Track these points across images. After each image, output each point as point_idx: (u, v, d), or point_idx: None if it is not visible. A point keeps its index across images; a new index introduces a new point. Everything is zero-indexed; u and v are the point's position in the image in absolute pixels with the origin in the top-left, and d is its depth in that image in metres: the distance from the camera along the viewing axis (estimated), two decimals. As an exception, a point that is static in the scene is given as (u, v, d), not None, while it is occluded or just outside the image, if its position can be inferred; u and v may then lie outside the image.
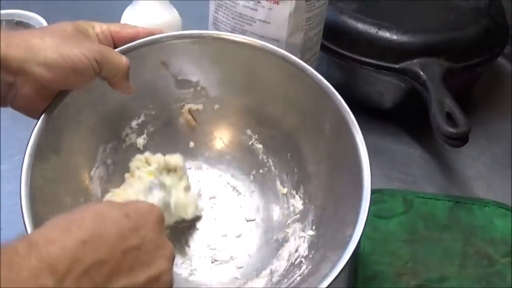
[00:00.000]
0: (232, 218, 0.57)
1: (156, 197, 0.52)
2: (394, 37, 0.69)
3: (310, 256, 0.51)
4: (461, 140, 0.61)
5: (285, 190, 0.58)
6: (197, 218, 0.57)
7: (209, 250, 0.55)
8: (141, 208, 0.39)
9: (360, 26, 0.70)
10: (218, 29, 0.65)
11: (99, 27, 0.51)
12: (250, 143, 0.60)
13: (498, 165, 0.71)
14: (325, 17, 0.66)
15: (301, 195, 0.56)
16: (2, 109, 0.47)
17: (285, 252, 0.54)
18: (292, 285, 0.49)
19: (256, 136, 0.60)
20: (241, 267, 0.54)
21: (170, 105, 0.59)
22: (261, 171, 0.60)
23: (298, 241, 0.53)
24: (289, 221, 0.56)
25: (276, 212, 0.58)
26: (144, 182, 0.53)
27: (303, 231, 0.54)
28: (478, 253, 0.59)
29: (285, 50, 0.62)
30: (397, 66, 0.69)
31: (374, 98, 0.74)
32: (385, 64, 0.69)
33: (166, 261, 0.38)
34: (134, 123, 0.58)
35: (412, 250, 0.58)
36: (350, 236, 0.44)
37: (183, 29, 0.65)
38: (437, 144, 0.69)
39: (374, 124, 0.74)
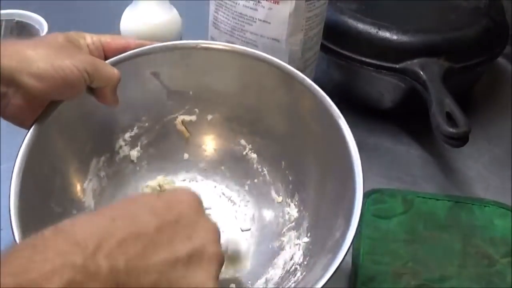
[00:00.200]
0: (227, 228, 0.57)
1: None
2: (394, 37, 0.69)
3: (305, 263, 0.50)
4: (461, 140, 0.61)
5: (280, 199, 0.58)
6: None
7: None
8: (176, 192, 0.38)
9: (360, 26, 0.70)
10: (218, 29, 0.65)
11: (90, 38, 0.51)
12: (244, 153, 0.60)
13: (498, 165, 0.71)
14: (325, 17, 0.66)
15: (296, 203, 0.56)
16: (2, 109, 0.47)
17: (280, 260, 0.53)
18: None
19: (250, 146, 0.59)
20: (236, 277, 0.53)
21: (163, 117, 0.59)
22: (255, 180, 0.59)
23: (293, 249, 0.53)
24: (284, 230, 0.56)
25: (272, 221, 0.57)
26: None
27: (298, 238, 0.54)
28: (478, 253, 0.59)
29: (285, 50, 0.62)
30: (397, 66, 0.69)
31: (374, 98, 0.74)
32: (385, 64, 0.69)
33: (209, 233, 0.36)
34: (127, 135, 0.58)
35: (412, 250, 0.58)
36: (343, 240, 0.43)
37: (183, 29, 0.65)
38: (437, 144, 0.69)
39: (374, 124, 0.75)
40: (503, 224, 0.61)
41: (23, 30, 0.70)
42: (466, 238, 0.60)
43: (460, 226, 0.61)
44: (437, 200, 0.63)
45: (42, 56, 0.44)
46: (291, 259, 0.52)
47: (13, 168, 0.45)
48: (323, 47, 0.69)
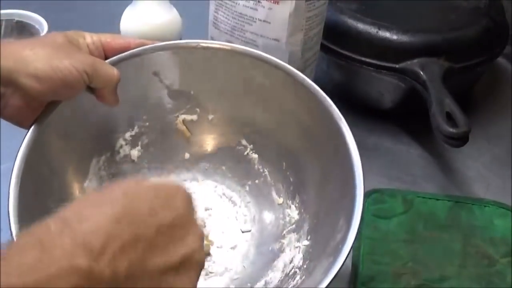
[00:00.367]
0: (227, 229, 0.57)
1: None
2: (394, 37, 0.69)
3: (305, 266, 0.50)
4: (461, 140, 0.61)
5: (281, 200, 0.58)
6: None
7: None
8: (169, 187, 0.38)
9: (360, 26, 0.70)
10: (218, 29, 0.65)
11: (90, 38, 0.50)
12: (245, 153, 0.60)
13: (498, 165, 0.71)
14: (325, 17, 0.66)
15: (297, 205, 0.56)
16: (2, 109, 0.47)
17: (280, 263, 0.53)
18: None
19: (251, 146, 0.59)
20: (236, 279, 0.53)
21: (164, 116, 0.58)
22: (256, 181, 0.59)
23: (293, 252, 0.53)
24: (284, 232, 0.56)
25: (272, 223, 0.57)
26: None
27: (299, 241, 0.53)
28: (478, 253, 0.59)
29: (285, 50, 0.62)
30: (397, 66, 0.69)
31: (374, 98, 0.74)
32: (385, 64, 0.69)
33: (197, 239, 0.37)
34: (128, 135, 0.58)
35: (412, 250, 0.58)
36: (343, 243, 0.43)
37: (183, 29, 0.65)
38: (437, 144, 0.69)
39: (374, 124, 0.75)
40: (503, 224, 0.61)
41: (23, 30, 0.70)
42: (466, 238, 0.60)
43: (460, 226, 0.61)
44: (437, 200, 0.63)
45: (40, 56, 0.44)
46: (290, 262, 0.52)
47: (12, 168, 0.45)
48: (323, 47, 0.69)
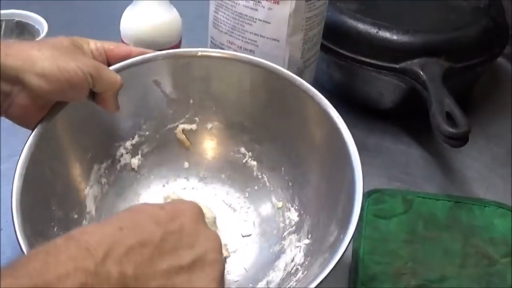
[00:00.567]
0: (228, 234, 0.57)
1: None
2: (394, 37, 0.69)
3: (306, 262, 0.50)
4: (461, 140, 0.61)
5: (280, 204, 0.58)
6: None
7: None
8: (177, 203, 0.39)
9: (360, 26, 0.70)
10: (218, 29, 0.65)
11: (94, 44, 0.52)
12: (244, 160, 0.60)
13: (498, 165, 0.71)
14: (325, 17, 0.66)
15: (296, 207, 0.56)
16: (2, 109, 0.47)
17: (281, 263, 0.53)
18: None
19: (250, 153, 0.59)
20: (237, 281, 0.54)
21: (164, 125, 0.59)
22: (256, 187, 0.59)
23: (294, 251, 0.53)
24: (285, 234, 0.56)
25: (272, 226, 0.57)
26: None
27: (299, 241, 0.54)
28: (478, 253, 0.59)
29: (285, 50, 0.62)
30: (397, 66, 0.69)
31: (374, 98, 0.74)
32: (385, 64, 0.69)
33: (210, 241, 0.38)
34: (128, 144, 0.58)
35: (412, 250, 0.58)
36: (343, 237, 0.43)
37: (183, 29, 0.65)
38: (437, 144, 0.69)
39: (374, 124, 0.75)
40: (503, 224, 0.61)
41: (23, 30, 0.70)
42: (466, 238, 0.60)
43: (460, 226, 0.61)
44: (437, 200, 0.63)
45: (47, 56, 0.45)
46: (292, 261, 0.52)
47: (15, 169, 0.46)
48: (323, 47, 0.69)
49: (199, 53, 0.56)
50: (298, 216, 0.56)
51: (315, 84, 0.72)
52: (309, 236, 0.53)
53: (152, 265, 0.34)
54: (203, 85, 0.57)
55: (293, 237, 0.55)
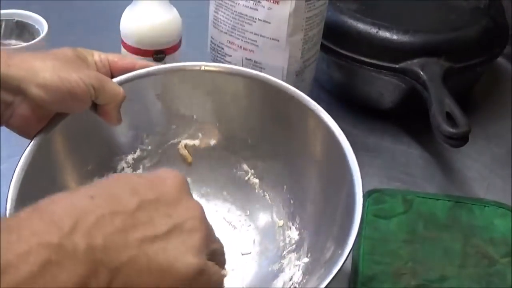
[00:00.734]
0: (227, 252, 0.57)
1: None
2: (394, 37, 0.69)
3: (304, 281, 0.50)
4: (461, 140, 0.61)
5: (281, 223, 0.57)
6: None
7: None
8: (159, 171, 0.37)
9: (360, 26, 0.70)
10: (218, 29, 0.65)
11: (98, 56, 0.52)
12: (246, 178, 0.59)
13: (498, 165, 0.71)
14: (325, 17, 0.66)
15: (297, 226, 0.55)
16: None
17: (279, 282, 0.52)
18: None
19: (253, 171, 0.59)
20: None
21: (166, 141, 0.58)
22: (257, 205, 0.58)
23: (293, 270, 0.52)
24: (284, 252, 0.55)
25: (272, 245, 0.56)
26: None
27: (299, 259, 0.53)
28: (478, 253, 0.59)
29: (285, 50, 0.62)
30: (397, 66, 0.69)
31: (374, 98, 0.74)
32: (385, 64, 0.69)
33: (190, 210, 0.36)
34: (130, 157, 0.57)
35: (412, 250, 0.58)
36: (341, 254, 0.42)
37: (183, 29, 0.65)
38: (437, 144, 0.69)
39: (374, 124, 0.75)
40: (503, 224, 0.61)
41: (23, 30, 0.70)
42: (466, 238, 0.60)
43: (460, 226, 0.61)
44: (437, 200, 0.63)
45: (49, 67, 0.45)
46: (290, 280, 0.52)
47: (12, 177, 0.45)
48: (323, 47, 0.69)
49: (203, 67, 0.55)
50: (298, 234, 0.55)
51: (315, 84, 0.72)
52: (309, 255, 0.52)
53: (123, 235, 0.32)
54: (206, 100, 0.57)
55: (293, 255, 0.54)
